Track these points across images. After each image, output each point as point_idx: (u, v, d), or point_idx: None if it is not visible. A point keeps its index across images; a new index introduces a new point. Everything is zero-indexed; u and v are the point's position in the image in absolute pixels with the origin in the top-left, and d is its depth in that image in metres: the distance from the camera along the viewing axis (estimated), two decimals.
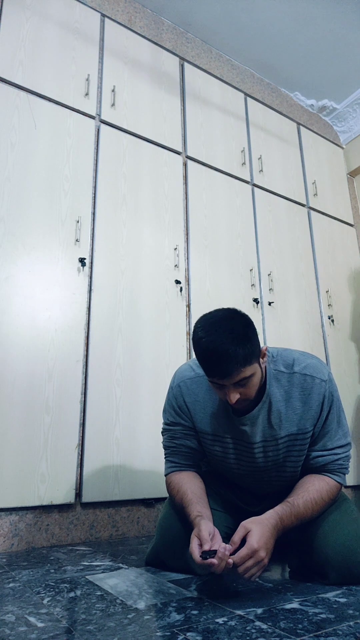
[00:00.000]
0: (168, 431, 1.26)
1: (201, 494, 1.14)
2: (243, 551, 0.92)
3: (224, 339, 0.99)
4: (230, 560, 0.91)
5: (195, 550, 0.95)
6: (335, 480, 1.13)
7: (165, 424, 1.27)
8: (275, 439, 1.14)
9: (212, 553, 0.91)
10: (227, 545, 0.93)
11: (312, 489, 1.09)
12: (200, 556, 0.92)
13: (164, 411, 1.28)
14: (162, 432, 1.28)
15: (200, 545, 0.96)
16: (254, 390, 1.07)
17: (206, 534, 0.97)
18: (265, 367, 1.14)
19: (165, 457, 1.27)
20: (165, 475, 1.25)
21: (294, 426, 1.13)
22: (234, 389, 1.03)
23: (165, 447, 1.27)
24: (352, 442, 2.53)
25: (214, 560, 0.90)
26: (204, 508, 1.09)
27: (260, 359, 1.09)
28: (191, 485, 1.16)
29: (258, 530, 0.95)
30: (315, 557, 1.07)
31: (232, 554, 0.92)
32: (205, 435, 1.21)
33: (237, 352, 0.98)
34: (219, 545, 0.94)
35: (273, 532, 0.98)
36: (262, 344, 2.33)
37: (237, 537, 0.95)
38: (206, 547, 0.94)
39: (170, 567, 1.18)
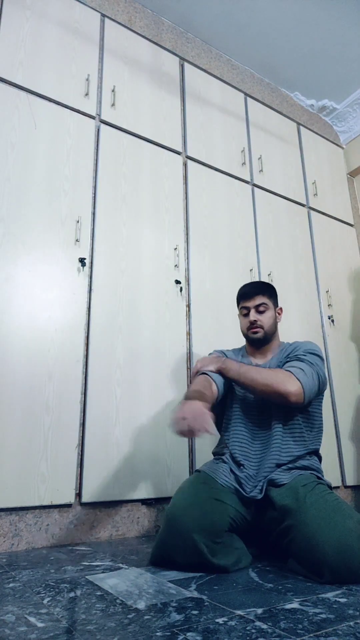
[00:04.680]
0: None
1: (205, 388, 1.39)
2: None
3: (255, 282, 1.70)
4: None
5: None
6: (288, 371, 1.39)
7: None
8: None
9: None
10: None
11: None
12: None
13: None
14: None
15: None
16: (266, 321, 1.55)
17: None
18: (280, 343, 1.62)
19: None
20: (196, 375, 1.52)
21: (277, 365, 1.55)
22: (254, 312, 1.56)
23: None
24: (352, 442, 2.54)
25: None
26: (202, 392, 1.35)
27: (277, 313, 1.61)
28: (202, 383, 1.41)
29: None
30: (312, 555, 1.07)
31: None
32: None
33: (262, 285, 1.63)
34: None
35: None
36: None
37: None
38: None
39: (175, 561, 1.17)
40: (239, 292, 1.63)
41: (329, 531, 1.07)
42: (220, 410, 1.56)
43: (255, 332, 1.54)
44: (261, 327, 1.54)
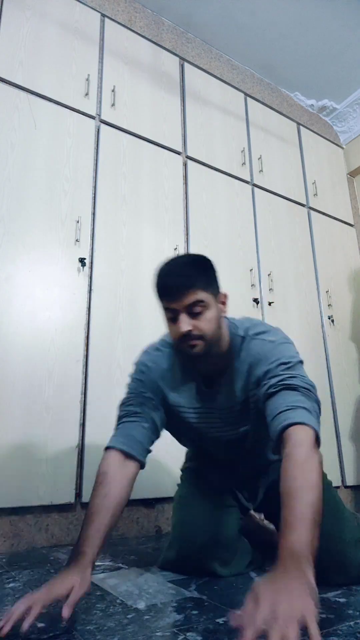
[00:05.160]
0: (131, 397, 1.18)
1: (108, 508, 1.00)
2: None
3: (180, 264, 1.07)
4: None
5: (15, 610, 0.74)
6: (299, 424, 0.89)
7: (129, 392, 1.19)
8: (237, 403, 1.12)
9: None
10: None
11: (285, 486, 0.84)
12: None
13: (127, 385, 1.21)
14: (120, 405, 1.20)
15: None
16: (207, 326, 1.01)
17: (45, 597, 0.76)
18: (231, 338, 1.10)
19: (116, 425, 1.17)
20: (105, 449, 1.10)
21: (246, 392, 1.10)
22: (186, 317, 1.00)
23: (121, 409, 1.19)
24: (352, 442, 2.54)
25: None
26: (95, 537, 0.93)
27: (220, 304, 1.07)
28: (110, 489, 1.02)
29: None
30: None
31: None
32: (179, 408, 1.16)
33: (189, 273, 1.02)
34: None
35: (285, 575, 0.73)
36: None
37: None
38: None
39: (189, 570, 1.15)
40: (157, 283, 1.04)
41: (329, 540, 1.02)
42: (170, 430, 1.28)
43: (193, 346, 1.02)
44: (199, 337, 1.01)
